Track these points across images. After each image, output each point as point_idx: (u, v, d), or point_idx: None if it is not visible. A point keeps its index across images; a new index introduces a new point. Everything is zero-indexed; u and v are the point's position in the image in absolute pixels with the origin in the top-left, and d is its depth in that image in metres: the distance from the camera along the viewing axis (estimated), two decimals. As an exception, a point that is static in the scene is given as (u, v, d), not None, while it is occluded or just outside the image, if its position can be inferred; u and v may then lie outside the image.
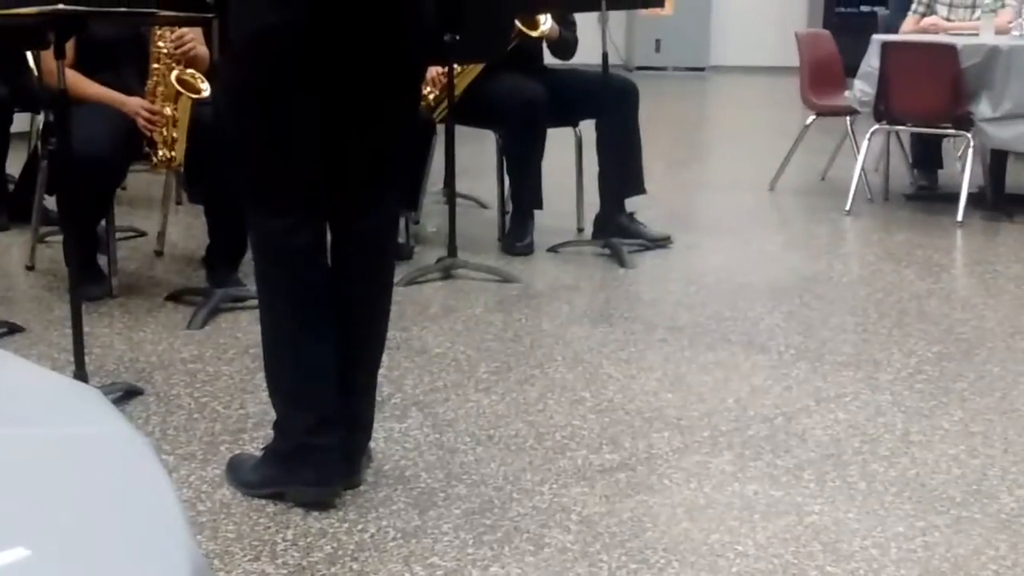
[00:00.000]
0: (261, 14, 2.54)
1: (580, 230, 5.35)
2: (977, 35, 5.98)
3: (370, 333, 2.76)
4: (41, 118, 4.86)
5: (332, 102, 2.60)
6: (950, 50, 5.68)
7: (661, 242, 5.12)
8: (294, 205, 2.63)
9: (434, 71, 4.95)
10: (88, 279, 3.97)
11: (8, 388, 0.99)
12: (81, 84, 4.10)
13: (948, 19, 6.45)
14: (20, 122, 5.49)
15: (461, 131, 4.73)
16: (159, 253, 4.86)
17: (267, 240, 2.68)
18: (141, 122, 4.14)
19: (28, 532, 0.73)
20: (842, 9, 13.86)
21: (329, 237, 2.74)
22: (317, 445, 2.63)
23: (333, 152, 2.65)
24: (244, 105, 2.66)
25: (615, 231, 4.99)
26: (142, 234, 5.12)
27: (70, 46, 3.96)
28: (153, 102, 4.17)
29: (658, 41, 13.52)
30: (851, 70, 6.29)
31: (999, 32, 6.01)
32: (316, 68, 2.56)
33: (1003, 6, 6.32)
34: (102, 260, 4.30)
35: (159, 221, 4.90)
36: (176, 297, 4.20)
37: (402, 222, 5.06)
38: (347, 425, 2.70)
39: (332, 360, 2.67)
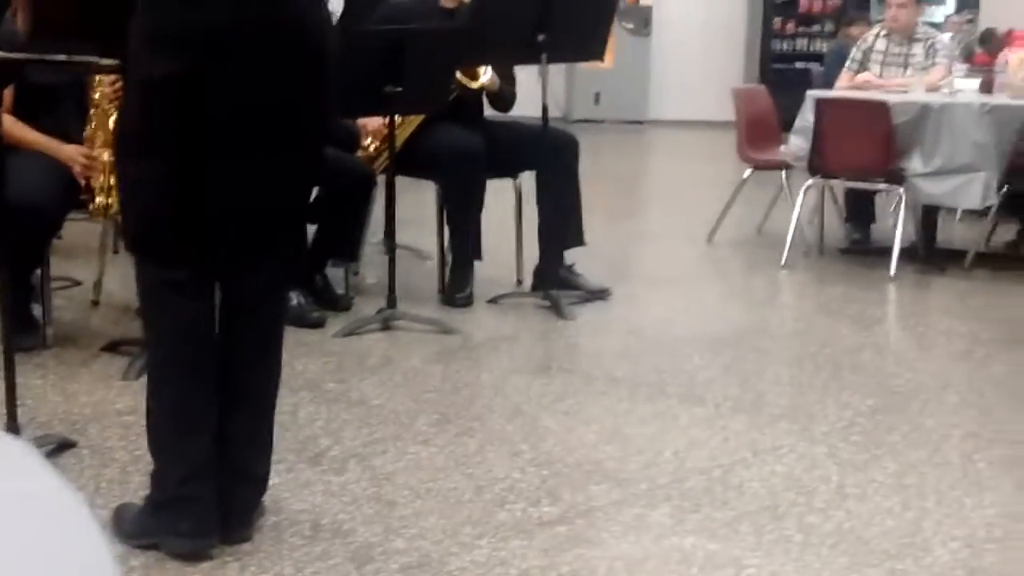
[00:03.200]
0: (154, 62, 2.54)
1: (519, 282, 5.36)
2: (908, 92, 6.11)
3: (256, 385, 2.75)
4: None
5: (226, 151, 2.59)
6: (882, 107, 5.80)
7: (600, 294, 5.15)
8: (181, 254, 2.63)
9: (375, 122, 4.97)
10: (21, 329, 3.90)
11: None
12: (17, 130, 4.05)
13: (881, 76, 6.58)
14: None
15: (402, 181, 4.75)
16: (95, 303, 4.81)
17: (152, 286, 2.68)
18: (77, 169, 4.11)
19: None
20: (778, 65, 14.11)
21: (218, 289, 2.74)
22: (191, 496, 2.62)
23: (223, 202, 2.64)
24: (135, 151, 2.64)
25: (554, 283, 5.01)
26: (78, 283, 5.06)
27: (8, 91, 3.94)
28: (92, 148, 4.14)
29: (597, 94, 13.66)
30: (787, 124, 6.40)
31: (930, 89, 6.15)
32: (205, 119, 2.56)
33: (934, 64, 6.47)
34: (36, 310, 4.25)
35: (95, 270, 4.85)
36: (112, 347, 4.14)
37: (341, 273, 5.07)
38: (233, 477, 2.68)
39: (210, 411, 2.66)
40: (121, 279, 5.12)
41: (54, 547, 0.81)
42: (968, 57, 10.45)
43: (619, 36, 13.24)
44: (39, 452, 1.02)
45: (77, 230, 5.42)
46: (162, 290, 2.65)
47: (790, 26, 14.42)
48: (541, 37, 4.74)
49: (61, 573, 0.78)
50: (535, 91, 4.86)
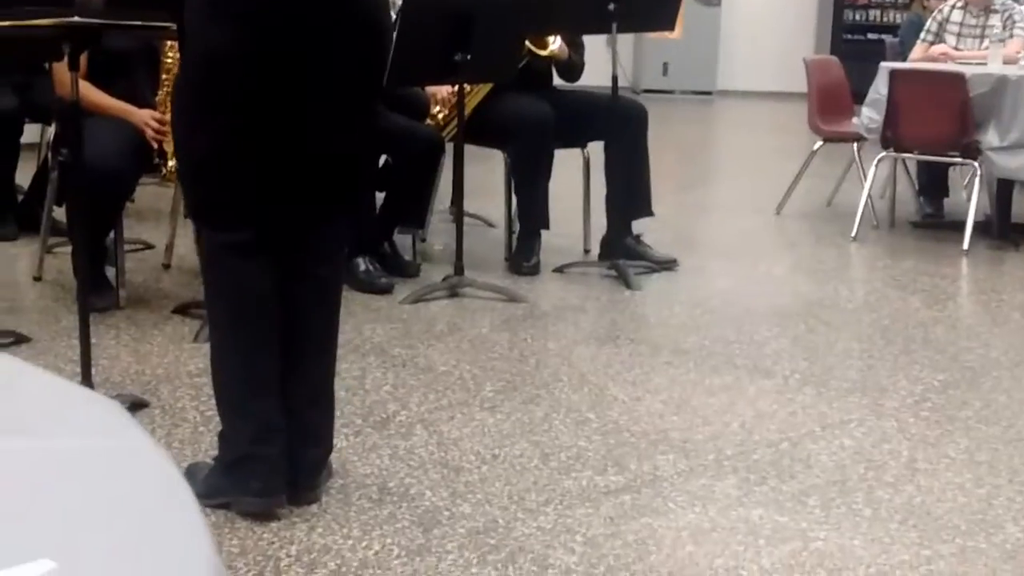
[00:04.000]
0: (210, 28, 2.57)
1: (587, 251, 5.35)
2: (985, 64, 6.00)
3: (318, 346, 2.78)
4: (52, 129, 4.87)
5: (282, 122, 2.62)
6: (958, 79, 5.70)
7: (667, 264, 5.12)
8: (242, 219, 2.65)
9: (444, 90, 4.97)
10: (96, 291, 3.97)
11: (28, 399, 0.99)
12: (92, 95, 4.11)
13: (957, 48, 6.46)
14: (30, 133, 5.50)
15: (470, 150, 4.74)
16: (167, 266, 4.87)
17: (215, 252, 2.70)
18: (150, 133, 4.15)
19: (52, 545, 0.73)
20: (850, 36, 13.90)
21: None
22: (260, 455, 2.64)
23: (283, 167, 2.66)
24: (191, 117, 2.67)
25: (621, 253, 4.99)
26: (150, 247, 5.13)
27: (83, 57, 3.98)
28: (164, 113, 4.18)
29: (665, 64, 13.55)
30: (859, 97, 6.30)
31: (1007, 62, 6.03)
32: (264, 89, 2.58)
33: (1011, 36, 6.34)
34: (110, 272, 4.31)
35: (167, 234, 4.91)
36: (183, 310, 4.20)
37: (409, 239, 5.10)
38: (299, 437, 2.71)
39: (276, 371, 2.69)
40: (192, 243, 5.18)
41: (145, 502, 0.82)
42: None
43: (688, 6, 13.11)
44: (125, 410, 1.04)
45: (149, 194, 5.51)
46: (223, 253, 2.68)
47: (864, -2, 14.18)
48: (612, 6, 4.71)
49: (153, 526, 0.79)
50: (603, 61, 4.84)
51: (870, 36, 13.41)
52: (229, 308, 2.72)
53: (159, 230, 5.21)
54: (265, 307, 2.70)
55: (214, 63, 2.59)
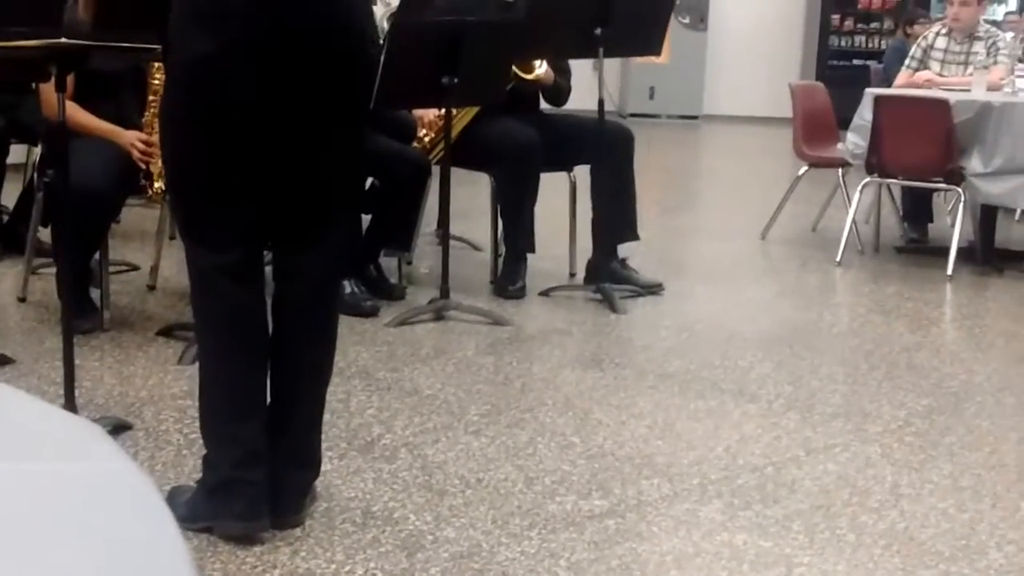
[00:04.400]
0: (195, 41, 2.54)
1: (572, 275, 5.36)
2: (969, 91, 6.03)
3: (308, 369, 2.76)
4: (38, 150, 4.87)
5: (269, 132, 2.60)
6: (943, 105, 5.73)
7: (653, 289, 5.13)
8: (231, 238, 2.64)
9: (431, 113, 4.98)
10: (80, 312, 3.95)
11: (9, 422, 0.99)
12: (79, 117, 4.11)
13: (941, 74, 6.50)
14: (16, 153, 5.49)
15: (456, 173, 4.75)
16: (151, 287, 4.86)
17: (202, 271, 2.68)
18: (136, 154, 4.15)
19: (31, 569, 0.73)
20: (836, 62, 13.98)
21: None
22: (244, 479, 2.63)
23: (272, 184, 2.65)
24: (180, 134, 2.65)
25: (607, 277, 5.00)
26: (135, 268, 5.12)
27: (69, 78, 3.98)
28: (150, 134, 4.18)
29: (652, 88, 13.60)
30: (844, 122, 6.34)
31: (991, 88, 6.07)
32: (250, 97, 2.56)
33: (995, 63, 6.38)
34: (95, 293, 4.30)
35: (152, 255, 4.90)
36: (167, 332, 4.19)
37: (395, 262, 5.10)
38: (286, 462, 2.70)
39: (262, 394, 2.68)
40: (178, 264, 5.17)
41: (128, 526, 0.82)
42: (1030, 56, 10.31)
43: (674, 30, 13.17)
44: (106, 433, 1.03)
45: (135, 215, 5.51)
46: (212, 274, 2.66)
47: (848, 23, 14.28)
48: (599, 31, 4.73)
49: (135, 551, 0.79)
50: (590, 84, 4.86)
51: (855, 62, 13.49)
52: (216, 330, 2.71)
53: (144, 251, 5.20)
54: (253, 329, 2.69)
55: (195, 72, 2.56)
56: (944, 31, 6.60)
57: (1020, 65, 8.41)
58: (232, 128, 2.58)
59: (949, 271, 5.66)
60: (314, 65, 2.60)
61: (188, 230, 2.74)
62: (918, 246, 6.48)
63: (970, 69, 6.37)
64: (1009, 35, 7.04)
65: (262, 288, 2.71)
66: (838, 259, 5.93)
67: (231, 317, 2.67)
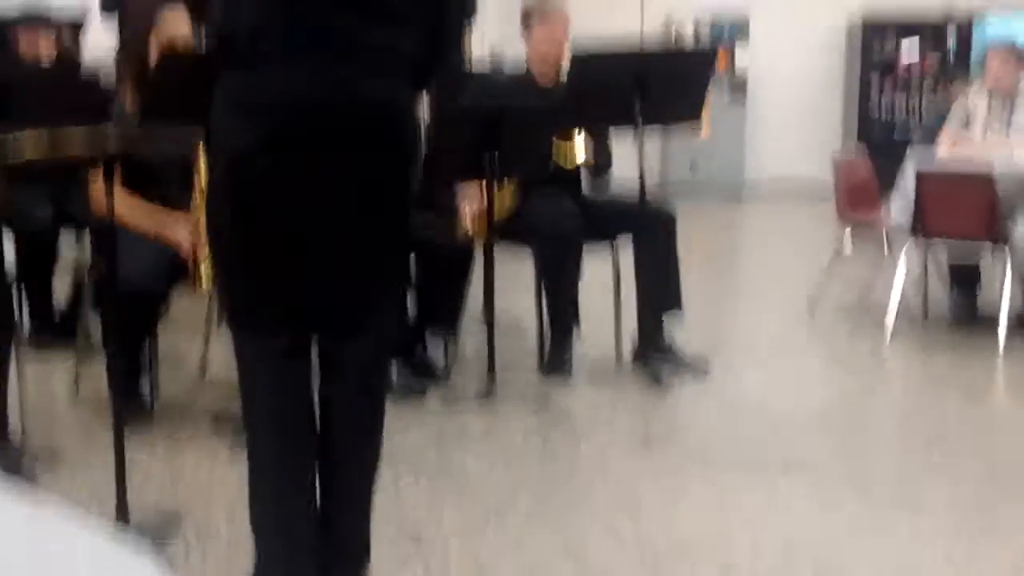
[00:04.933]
0: (234, 135, 2.55)
1: (619, 351, 5.34)
2: (1013, 154, 5.99)
3: (357, 464, 2.75)
4: (87, 238, 4.93)
5: (314, 223, 2.59)
6: (986, 179, 5.69)
7: (699, 366, 5.10)
8: (277, 326, 2.64)
9: (475, 193, 5.01)
10: (130, 405, 3.98)
11: (55, 561, 0.99)
12: (129, 213, 4.16)
13: (983, 138, 6.47)
14: (68, 241, 5.56)
15: (501, 252, 4.76)
16: (201, 377, 4.89)
17: (248, 362, 2.69)
18: (185, 247, 4.20)
19: None
20: (876, 122, 13.95)
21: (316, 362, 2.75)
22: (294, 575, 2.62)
23: (318, 273, 2.64)
24: (224, 226, 2.66)
25: (653, 352, 4.98)
26: (185, 358, 5.15)
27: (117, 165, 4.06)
28: (198, 218, 4.22)
29: (693, 160, 13.63)
30: (886, 184, 6.30)
31: (1035, 152, 6.03)
32: (293, 189, 2.55)
33: (1039, 125, 6.35)
34: (144, 385, 4.33)
35: (201, 344, 4.94)
36: (217, 422, 4.21)
37: (441, 343, 5.10)
38: (335, 554, 2.69)
39: (311, 487, 2.67)
40: (227, 353, 5.20)
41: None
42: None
43: (714, 102, 13.22)
44: (150, 551, 1.03)
45: (184, 303, 5.54)
46: (258, 364, 2.67)
47: (888, 86, 14.27)
48: (637, 107, 4.75)
49: None
50: (632, 156, 4.85)
51: (896, 120, 13.45)
52: (263, 423, 2.70)
53: (194, 340, 5.24)
54: (301, 422, 2.68)
55: (235, 166, 2.57)
56: (985, 93, 6.58)
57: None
58: (275, 220, 2.58)
59: (1000, 341, 5.59)
60: (359, 153, 2.59)
61: (234, 319, 2.74)
62: (967, 314, 6.40)
63: (1012, 132, 6.33)
64: (1051, 98, 7.00)
65: (309, 379, 2.71)
66: (887, 330, 5.87)
67: (278, 408, 2.66)
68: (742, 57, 14.03)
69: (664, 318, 5.12)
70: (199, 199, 4.26)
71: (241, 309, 2.71)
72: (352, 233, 2.64)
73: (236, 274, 2.67)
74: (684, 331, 5.32)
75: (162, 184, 4.36)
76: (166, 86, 3.76)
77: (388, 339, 2.87)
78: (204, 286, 4.25)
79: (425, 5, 2.64)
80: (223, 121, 2.58)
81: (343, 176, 2.59)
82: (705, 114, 5.21)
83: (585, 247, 5.06)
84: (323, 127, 2.54)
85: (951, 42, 14.15)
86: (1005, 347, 5.57)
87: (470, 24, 2.91)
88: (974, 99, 6.60)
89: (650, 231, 4.98)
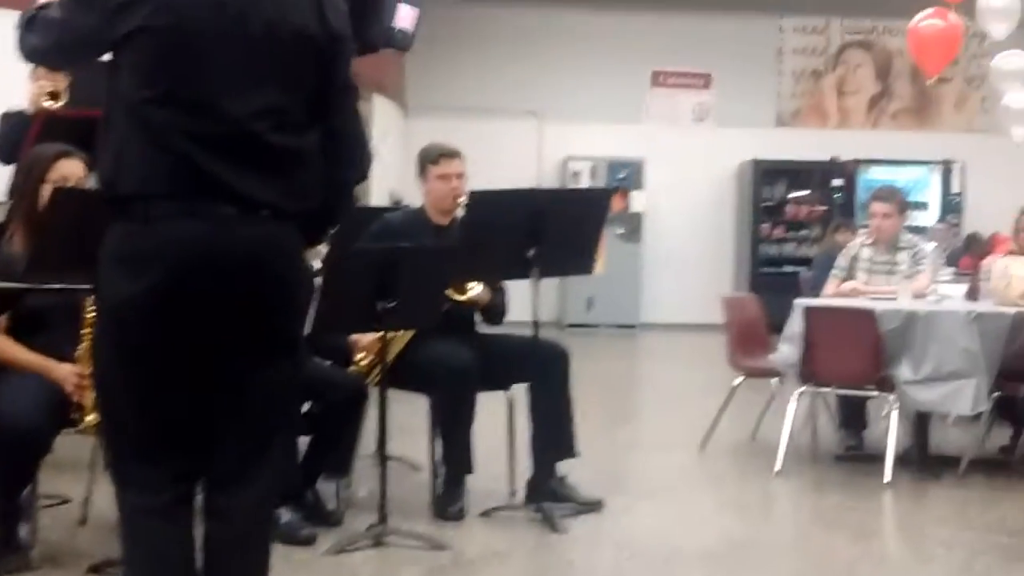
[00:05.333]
0: (118, 284, 2.55)
1: (512, 494, 5.31)
2: (895, 299, 6.18)
3: None
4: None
5: (197, 371, 2.59)
6: (869, 315, 5.86)
7: (592, 506, 5.10)
8: (160, 479, 2.60)
9: (367, 336, 5.01)
10: (7, 552, 3.86)
11: None
12: (11, 352, 4.09)
13: (867, 283, 6.67)
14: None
15: (395, 392, 4.75)
16: (83, 521, 4.75)
17: (129, 514, 2.64)
18: (69, 389, 4.12)
19: None
20: (767, 269, 14.32)
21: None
22: None
23: (202, 423, 2.63)
24: (108, 375, 2.64)
25: (547, 495, 4.97)
26: (66, 501, 5.01)
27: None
28: (84, 367, 4.16)
29: (590, 299, 13.81)
30: (776, 327, 6.44)
31: (916, 296, 6.22)
32: (174, 338, 2.54)
33: (919, 271, 6.57)
34: (24, 529, 4.19)
35: (84, 486, 4.81)
36: (98, 569, 4.08)
37: (332, 487, 5.03)
38: None
39: None
40: (111, 496, 5.07)
41: None
42: (954, 261, 10.64)
43: (610, 241, 13.48)
44: None
45: (67, 444, 5.40)
46: (139, 517, 2.62)
47: (778, 231, 14.69)
48: (532, 252, 4.82)
49: None
50: (527, 298, 4.90)
51: (786, 268, 13.81)
52: (144, 572, 2.65)
53: (77, 483, 5.10)
54: (182, 571, 2.63)
55: (118, 315, 2.56)
56: (868, 241, 6.81)
57: (944, 271, 8.69)
58: (158, 369, 2.57)
59: (887, 479, 5.69)
60: (242, 302, 2.59)
61: (116, 470, 2.70)
62: (856, 453, 6.51)
63: (894, 278, 6.54)
64: (931, 245, 7.27)
65: (191, 530, 2.66)
66: (777, 469, 5.94)
67: (158, 560, 2.61)
68: (638, 199, 14.38)
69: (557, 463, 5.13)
70: (85, 348, 4.20)
71: (124, 463, 2.66)
72: (238, 382, 2.63)
73: (119, 426, 2.64)
74: (579, 470, 5.32)
75: (47, 331, 4.28)
76: (56, 223, 3.72)
77: (274, 488, 2.82)
78: (89, 426, 4.17)
79: (312, 160, 2.67)
80: (109, 271, 2.58)
81: (230, 326, 2.59)
82: (601, 252, 5.31)
83: (480, 394, 5.07)
84: (209, 278, 2.54)
85: (837, 188, 14.65)
86: (892, 485, 5.66)
87: (363, 178, 2.94)
88: (858, 248, 6.81)
89: (544, 369, 5.02)
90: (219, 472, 2.68)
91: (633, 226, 14.12)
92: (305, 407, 4.79)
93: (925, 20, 9.30)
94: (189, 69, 2.53)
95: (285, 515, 4.50)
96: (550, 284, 13.37)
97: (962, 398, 5.73)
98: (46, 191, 4.13)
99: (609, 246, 13.36)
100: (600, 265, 5.40)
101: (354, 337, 5.07)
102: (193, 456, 2.65)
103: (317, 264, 4.66)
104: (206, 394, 2.61)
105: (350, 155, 2.79)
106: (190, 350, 2.57)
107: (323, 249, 4.94)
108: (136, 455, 2.63)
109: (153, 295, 2.52)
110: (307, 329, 4.01)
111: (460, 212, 5.10)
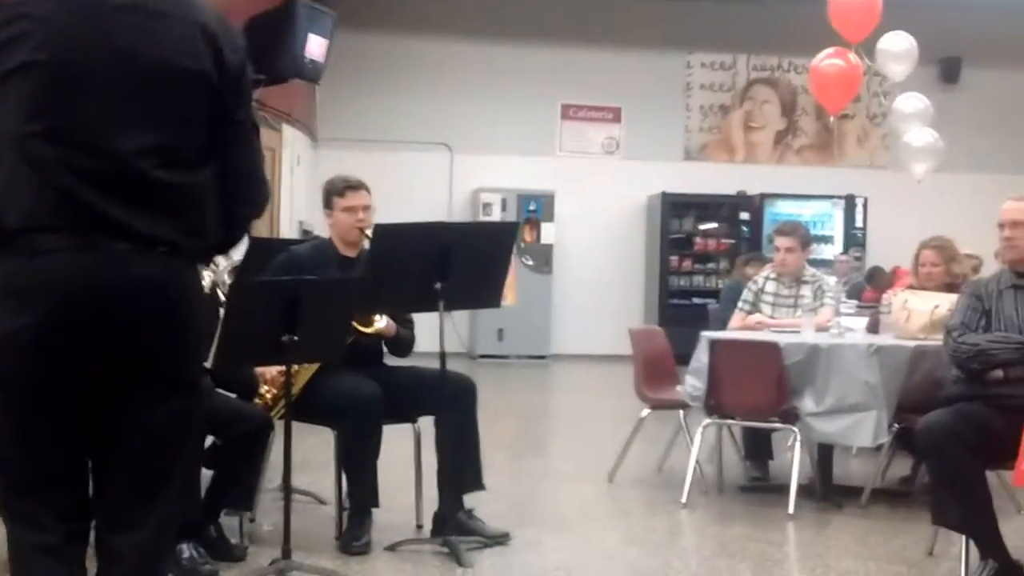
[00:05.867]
0: (5, 316, 2.48)
1: (419, 527, 5.29)
2: (799, 332, 6.28)
3: None
4: None
5: (86, 406, 2.54)
6: (773, 348, 5.94)
7: (499, 539, 5.09)
8: (50, 517, 2.55)
9: (272, 369, 4.96)
10: None
11: None
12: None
13: (772, 317, 6.76)
14: None
15: (300, 425, 4.70)
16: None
17: (20, 552, 2.57)
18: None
19: None
20: (676, 301, 14.46)
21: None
22: None
23: (93, 460, 2.59)
24: None
25: (453, 528, 4.95)
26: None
27: None
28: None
29: (501, 330, 13.83)
30: (683, 359, 6.49)
31: (819, 330, 6.32)
32: (60, 371, 2.50)
33: (822, 305, 6.68)
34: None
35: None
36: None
37: (236, 521, 4.97)
38: None
39: None
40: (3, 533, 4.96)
41: None
42: (857, 294, 10.83)
43: (520, 272, 13.54)
44: None
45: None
46: (30, 554, 2.55)
47: (687, 263, 14.86)
48: (438, 285, 4.82)
49: None
50: (437, 328, 4.89)
51: (695, 301, 13.96)
52: None
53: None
54: None
55: (3, 348, 2.49)
56: (773, 275, 6.91)
57: (847, 304, 8.84)
58: (40, 405, 2.51)
59: (790, 509, 5.75)
60: (129, 339, 2.53)
61: (5, 507, 2.63)
62: (761, 484, 6.59)
63: (799, 312, 6.64)
64: (833, 279, 7.39)
65: (83, 569, 2.60)
66: (684, 500, 5.98)
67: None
68: (548, 230, 14.45)
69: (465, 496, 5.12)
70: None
71: (12, 500, 2.59)
72: (125, 421, 2.57)
73: (6, 462, 2.58)
74: (487, 502, 5.31)
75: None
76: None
77: (169, 527, 2.75)
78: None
79: (207, 196, 2.64)
80: None
81: (115, 364, 2.53)
82: (511, 284, 5.32)
83: (386, 426, 5.04)
84: (95, 312, 2.49)
85: (745, 221, 14.87)
86: (795, 516, 5.73)
87: (259, 214, 2.91)
88: (763, 282, 6.91)
89: (451, 401, 5.01)
90: (108, 512, 2.62)
91: (544, 258, 14.19)
92: (208, 440, 4.72)
93: (826, 59, 9.51)
94: (74, 105, 2.49)
95: (186, 550, 4.43)
96: (461, 315, 13.42)
97: (863, 430, 5.82)
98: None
99: (520, 277, 13.45)
100: (511, 297, 5.41)
101: (259, 370, 5.01)
102: (79, 495, 2.59)
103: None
104: (90, 432, 2.56)
105: (246, 191, 2.76)
106: (74, 387, 2.52)
107: (228, 280, 4.92)
108: (21, 492, 2.57)
109: (37, 328, 2.47)
110: (209, 362, 3.98)
111: (367, 244, 5.09)
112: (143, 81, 2.53)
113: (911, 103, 9.52)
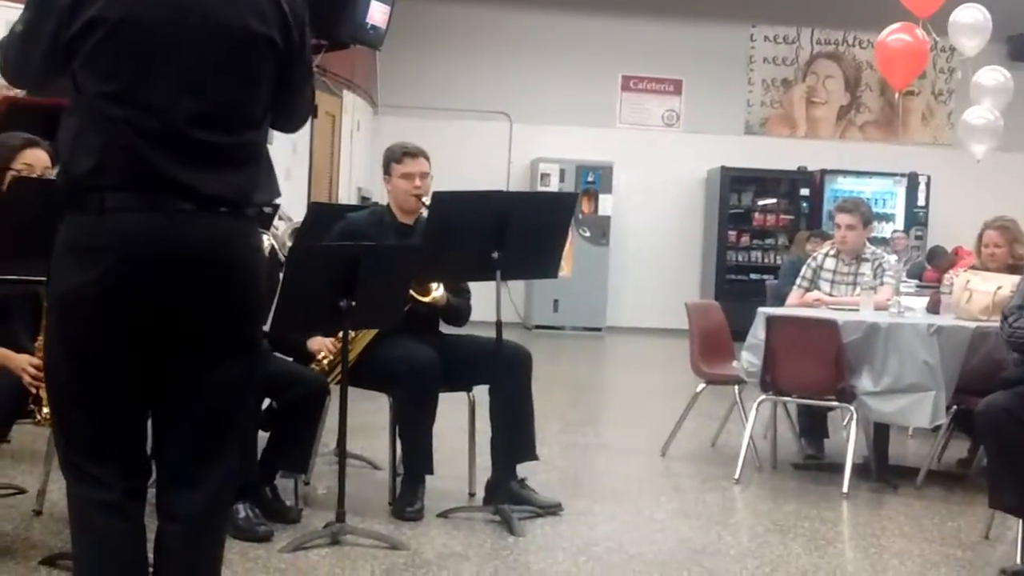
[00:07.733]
0: (70, 273, 2.54)
1: (472, 495, 5.31)
2: (858, 310, 6.22)
3: None
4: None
5: (149, 365, 2.58)
6: (832, 325, 5.89)
7: (551, 509, 5.10)
8: (111, 475, 2.59)
9: (327, 342, 5.00)
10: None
11: None
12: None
13: (831, 294, 6.70)
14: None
15: (356, 390, 4.73)
16: (38, 512, 4.71)
17: (80, 507, 2.62)
18: (27, 379, 4.08)
19: None
20: (733, 276, 14.37)
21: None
22: None
23: (154, 419, 2.62)
24: (58, 366, 2.63)
25: (506, 497, 4.97)
26: (22, 491, 4.97)
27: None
28: (43, 359, 4.12)
29: (556, 301, 13.82)
30: (740, 335, 6.46)
31: (878, 308, 6.26)
32: (125, 329, 2.53)
33: (882, 283, 6.61)
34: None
35: (40, 477, 4.77)
36: (51, 562, 4.05)
37: (291, 484, 5.02)
38: None
39: None
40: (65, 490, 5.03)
41: None
42: (917, 274, 10.72)
43: (577, 244, 13.51)
44: None
45: (25, 435, 5.36)
46: (90, 510, 2.60)
47: (745, 239, 14.75)
48: (496, 255, 4.82)
49: None
50: (493, 298, 4.90)
51: (752, 276, 13.87)
52: (93, 568, 2.63)
53: (33, 473, 5.07)
54: (132, 569, 2.61)
55: (67, 304, 2.55)
56: (833, 252, 6.85)
57: (907, 283, 8.74)
58: (104, 364, 2.55)
59: (845, 488, 5.72)
60: (194, 298, 2.57)
61: (67, 463, 2.68)
62: (815, 462, 6.55)
63: (858, 289, 6.58)
64: (893, 258, 7.31)
65: (142, 526, 2.64)
66: (736, 476, 5.97)
67: (109, 555, 2.59)
68: (606, 202, 14.39)
69: (518, 466, 5.14)
70: (43, 338, 4.17)
71: (74, 457, 2.64)
72: (189, 381, 2.61)
73: (70, 419, 2.62)
74: (539, 473, 5.32)
75: (6, 322, 4.25)
76: (15, 212, 3.70)
77: (228, 487, 2.79)
78: (45, 418, 4.13)
79: (259, 151, 2.67)
80: (60, 262, 2.56)
81: (179, 323, 2.57)
82: (567, 255, 5.32)
83: (441, 395, 5.06)
84: (161, 272, 2.53)
85: (805, 197, 14.73)
86: (849, 495, 5.69)
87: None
88: (822, 259, 6.85)
89: (507, 371, 5.02)
90: (169, 472, 2.66)
91: (601, 229, 14.14)
92: (265, 403, 4.78)
93: (893, 35, 9.37)
94: (144, 67, 2.52)
95: (242, 511, 4.49)
96: (517, 285, 13.42)
97: (921, 411, 5.77)
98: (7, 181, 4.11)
99: (576, 249, 13.42)
100: (567, 267, 5.40)
101: (313, 346, 5.05)
102: (139, 453, 2.63)
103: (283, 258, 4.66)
104: (152, 391, 2.59)
105: (288, 113, 2.80)
106: (137, 345, 2.55)
107: (288, 244, 4.96)
108: (83, 450, 2.61)
109: (100, 286, 2.51)
110: (267, 325, 4.01)
111: (424, 212, 5.10)
112: (212, 42, 2.56)
113: (992, 76, 9.34)
